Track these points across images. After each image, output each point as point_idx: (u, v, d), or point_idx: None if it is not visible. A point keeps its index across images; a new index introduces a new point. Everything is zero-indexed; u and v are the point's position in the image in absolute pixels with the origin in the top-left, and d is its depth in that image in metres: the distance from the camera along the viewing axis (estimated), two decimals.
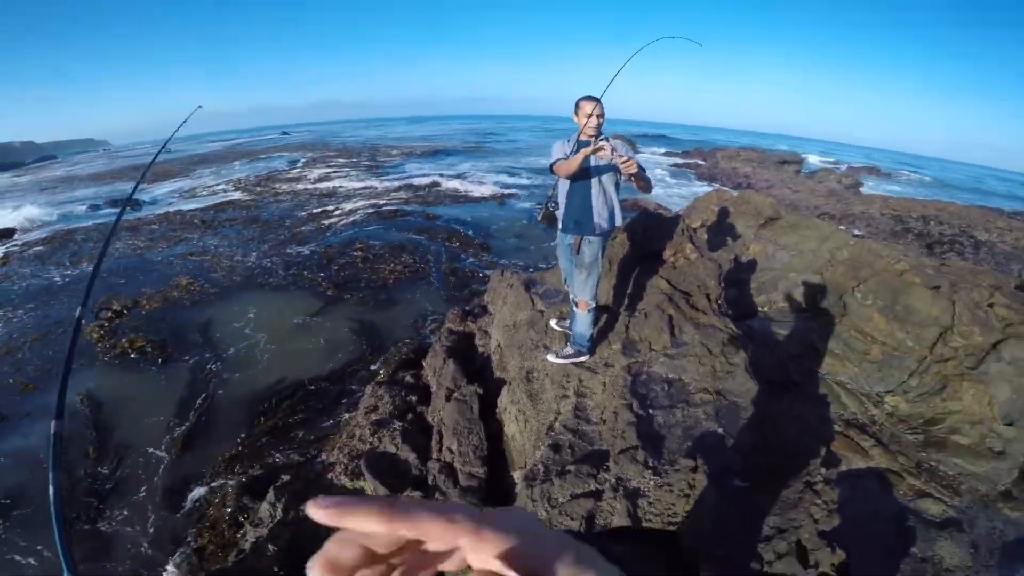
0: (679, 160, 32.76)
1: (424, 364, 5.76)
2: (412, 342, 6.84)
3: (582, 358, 3.70)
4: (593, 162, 3.15)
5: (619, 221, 3.32)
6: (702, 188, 21.74)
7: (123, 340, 7.30)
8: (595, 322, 3.68)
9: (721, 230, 6.77)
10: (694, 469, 2.38)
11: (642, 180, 3.01)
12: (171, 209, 16.60)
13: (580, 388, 3.52)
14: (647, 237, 5.07)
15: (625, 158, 2.73)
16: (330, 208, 14.69)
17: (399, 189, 17.91)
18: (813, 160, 42.19)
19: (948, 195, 29.45)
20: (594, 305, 3.48)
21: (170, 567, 3.90)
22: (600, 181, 3.23)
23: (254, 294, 8.73)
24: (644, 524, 2.29)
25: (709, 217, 7.40)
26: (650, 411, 3.06)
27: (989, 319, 3.90)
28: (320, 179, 21.54)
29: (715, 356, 3.50)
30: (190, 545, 4.05)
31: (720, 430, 2.78)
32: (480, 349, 5.54)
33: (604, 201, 3.25)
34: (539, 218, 3.68)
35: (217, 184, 22.45)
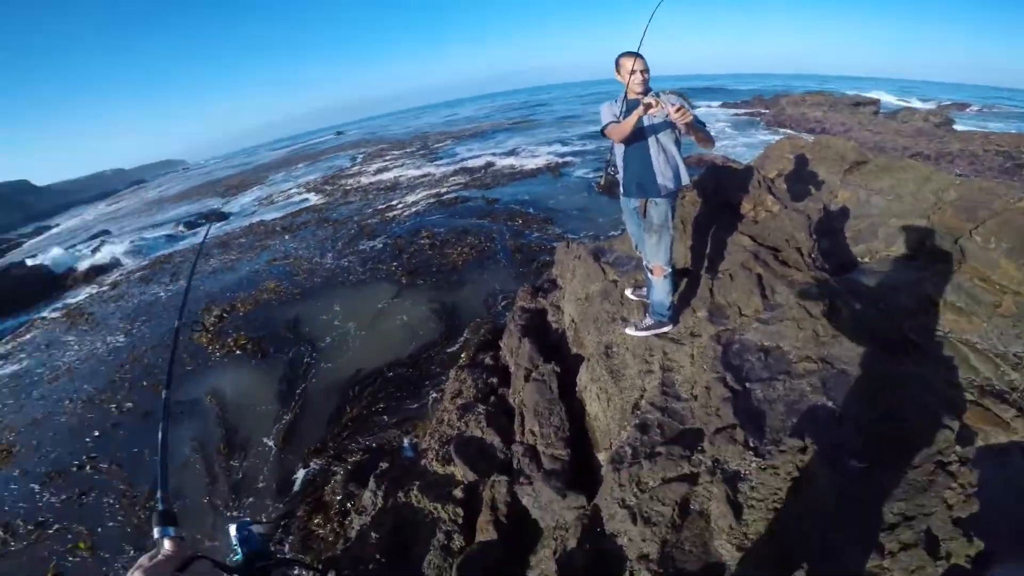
0: (740, 111, 30.26)
1: (501, 344, 5.80)
2: (487, 322, 6.96)
3: (664, 328, 3.53)
4: (647, 121, 2.95)
5: (685, 179, 3.12)
6: (770, 137, 20.07)
7: (228, 340, 8.06)
8: (674, 288, 3.51)
9: (801, 179, 6.14)
10: (803, 449, 2.19)
11: (700, 132, 2.83)
12: (255, 220, 17.92)
13: (665, 362, 3.37)
14: (720, 192, 4.71)
15: (677, 106, 2.56)
16: (394, 202, 15.15)
17: (455, 174, 18.08)
18: (889, 100, 37.06)
19: None
20: (670, 270, 3.29)
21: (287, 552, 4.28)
22: (658, 140, 3.04)
23: (336, 290, 9.26)
24: (745, 511, 2.15)
25: (785, 166, 6.72)
26: (747, 385, 2.86)
27: None
28: (379, 171, 22.31)
29: (816, 318, 3.17)
30: (300, 531, 4.41)
31: (830, 403, 2.53)
32: (554, 325, 5.48)
33: (666, 159, 3.06)
34: (597, 188, 3.54)
35: (290, 188, 23.94)
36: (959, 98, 46.66)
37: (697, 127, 2.78)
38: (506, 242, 9.67)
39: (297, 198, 20.61)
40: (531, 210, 11.87)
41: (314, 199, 19.39)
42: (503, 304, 7.59)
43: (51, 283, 14.84)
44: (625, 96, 3.01)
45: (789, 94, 31.45)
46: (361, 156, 32.30)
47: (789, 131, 20.45)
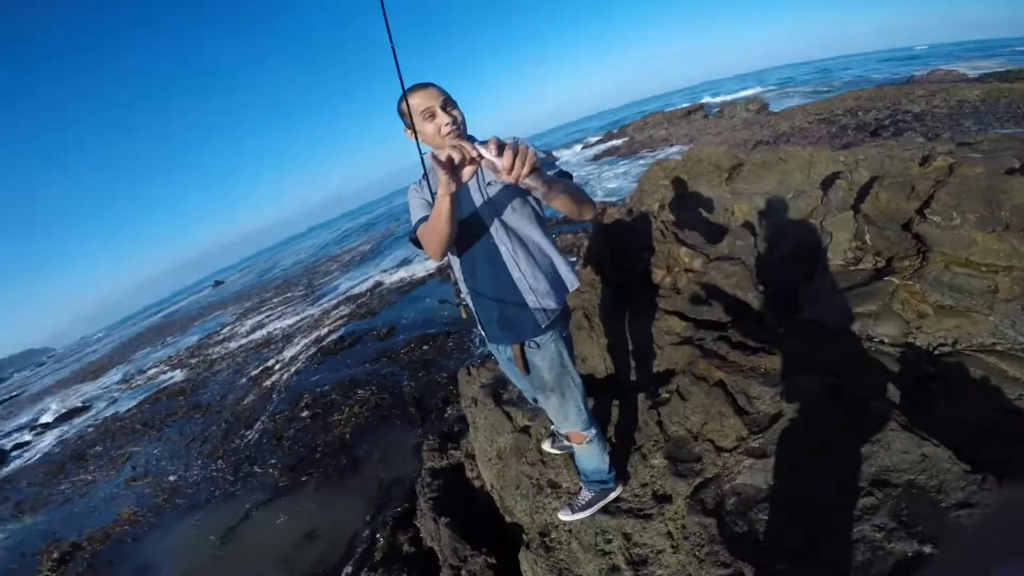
0: (594, 149, 31.55)
1: (418, 525, 4.26)
2: (396, 498, 5.30)
3: (610, 496, 2.28)
4: (476, 198, 1.61)
5: (572, 282, 1.77)
6: (631, 165, 20.85)
7: None
8: (607, 446, 2.20)
9: (688, 205, 5.24)
10: None
11: (565, 191, 1.38)
12: (108, 413, 14.73)
13: (632, 552, 2.08)
14: (619, 259, 3.64)
15: (500, 147, 1.13)
16: (270, 363, 12.83)
17: (337, 306, 15.89)
18: (708, 101, 40.30)
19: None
20: (595, 431, 2.02)
21: None
22: (506, 226, 1.64)
23: (200, 513, 6.97)
24: None
25: (665, 195, 5.68)
26: (780, 569, 1.64)
27: None
28: (254, 328, 19.53)
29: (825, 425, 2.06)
30: None
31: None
32: (476, 482, 4.04)
33: (528, 259, 1.67)
34: (463, 316, 2.03)
35: (151, 367, 20.56)
36: (748, 86, 52.43)
37: (553, 179, 1.34)
38: (403, 385, 7.92)
39: (160, 378, 17.56)
40: (431, 329, 10.11)
41: (178, 376, 16.50)
42: (413, 474, 5.76)
43: None
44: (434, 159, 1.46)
45: (632, 122, 33.40)
46: (236, 314, 28.95)
47: (646, 154, 21.47)
